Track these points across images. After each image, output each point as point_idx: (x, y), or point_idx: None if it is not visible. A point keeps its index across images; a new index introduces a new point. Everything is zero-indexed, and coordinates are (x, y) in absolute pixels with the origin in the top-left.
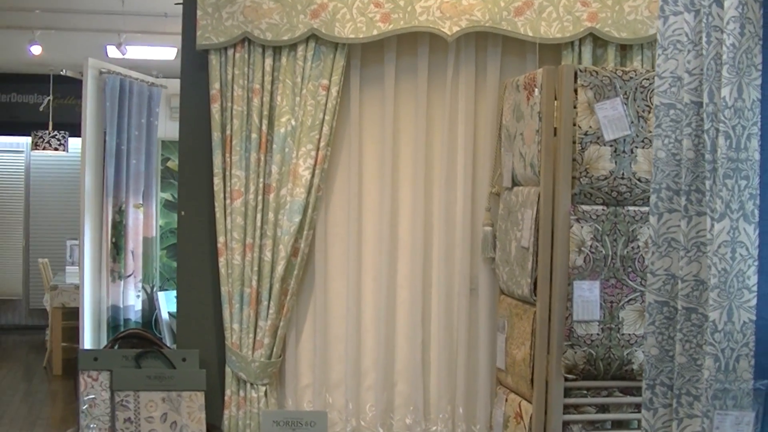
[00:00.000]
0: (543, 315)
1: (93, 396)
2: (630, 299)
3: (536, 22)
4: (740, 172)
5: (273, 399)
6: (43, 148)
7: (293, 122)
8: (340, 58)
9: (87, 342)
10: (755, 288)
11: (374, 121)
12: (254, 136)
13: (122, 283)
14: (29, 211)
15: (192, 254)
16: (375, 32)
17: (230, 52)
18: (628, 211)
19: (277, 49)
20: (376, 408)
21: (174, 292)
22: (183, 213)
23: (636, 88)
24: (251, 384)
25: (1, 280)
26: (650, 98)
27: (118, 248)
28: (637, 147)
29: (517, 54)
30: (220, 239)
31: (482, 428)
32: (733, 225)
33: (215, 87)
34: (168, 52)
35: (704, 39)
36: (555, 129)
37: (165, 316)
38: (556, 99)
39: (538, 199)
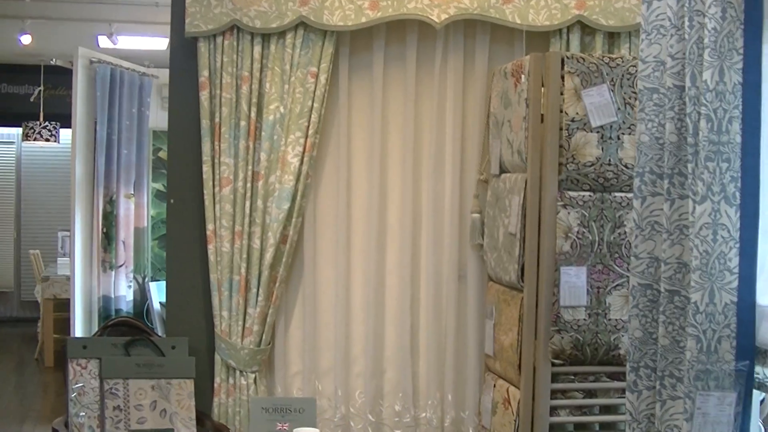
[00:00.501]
0: (530, 301)
1: (82, 384)
2: (617, 285)
3: (524, 9)
4: (722, 154)
5: (262, 386)
6: (34, 139)
7: (282, 110)
8: (328, 45)
9: (78, 333)
10: (737, 270)
11: (363, 108)
12: (243, 123)
13: (113, 273)
14: (20, 202)
15: (181, 242)
16: (363, 20)
17: (219, 39)
18: (614, 197)
19: (266, 37)
20: (366, 395)
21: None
22: (172, 201)
23: (623, 75)
24: (240, 371)
25: None
26: (636, 85)
27: (109, 238)
28: (623, 133)
29: (505, 42)
30: (209, 227)
31: (471, 414)
32: (714, 207)
33: (204, 74)
34: (159, 42)
35: (686, 23)
36: (542, 116)
37: (156, 306)
38: (543, 86)
39: (525, 185)
